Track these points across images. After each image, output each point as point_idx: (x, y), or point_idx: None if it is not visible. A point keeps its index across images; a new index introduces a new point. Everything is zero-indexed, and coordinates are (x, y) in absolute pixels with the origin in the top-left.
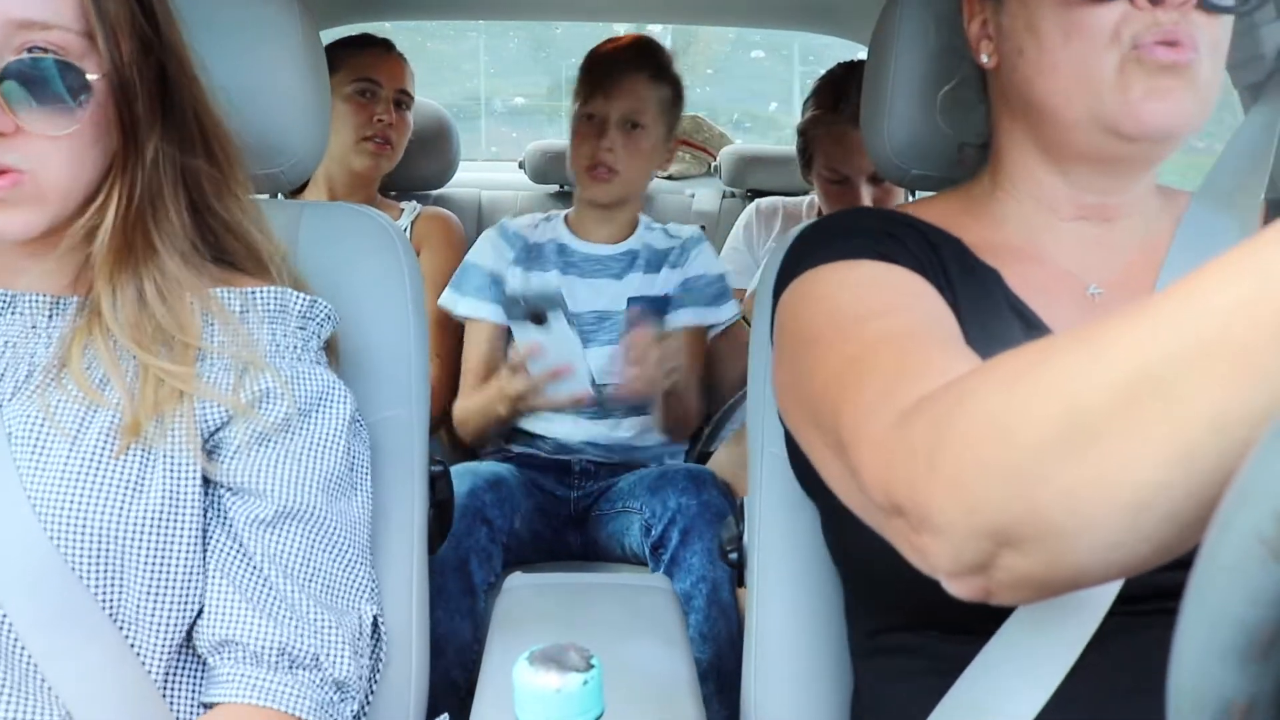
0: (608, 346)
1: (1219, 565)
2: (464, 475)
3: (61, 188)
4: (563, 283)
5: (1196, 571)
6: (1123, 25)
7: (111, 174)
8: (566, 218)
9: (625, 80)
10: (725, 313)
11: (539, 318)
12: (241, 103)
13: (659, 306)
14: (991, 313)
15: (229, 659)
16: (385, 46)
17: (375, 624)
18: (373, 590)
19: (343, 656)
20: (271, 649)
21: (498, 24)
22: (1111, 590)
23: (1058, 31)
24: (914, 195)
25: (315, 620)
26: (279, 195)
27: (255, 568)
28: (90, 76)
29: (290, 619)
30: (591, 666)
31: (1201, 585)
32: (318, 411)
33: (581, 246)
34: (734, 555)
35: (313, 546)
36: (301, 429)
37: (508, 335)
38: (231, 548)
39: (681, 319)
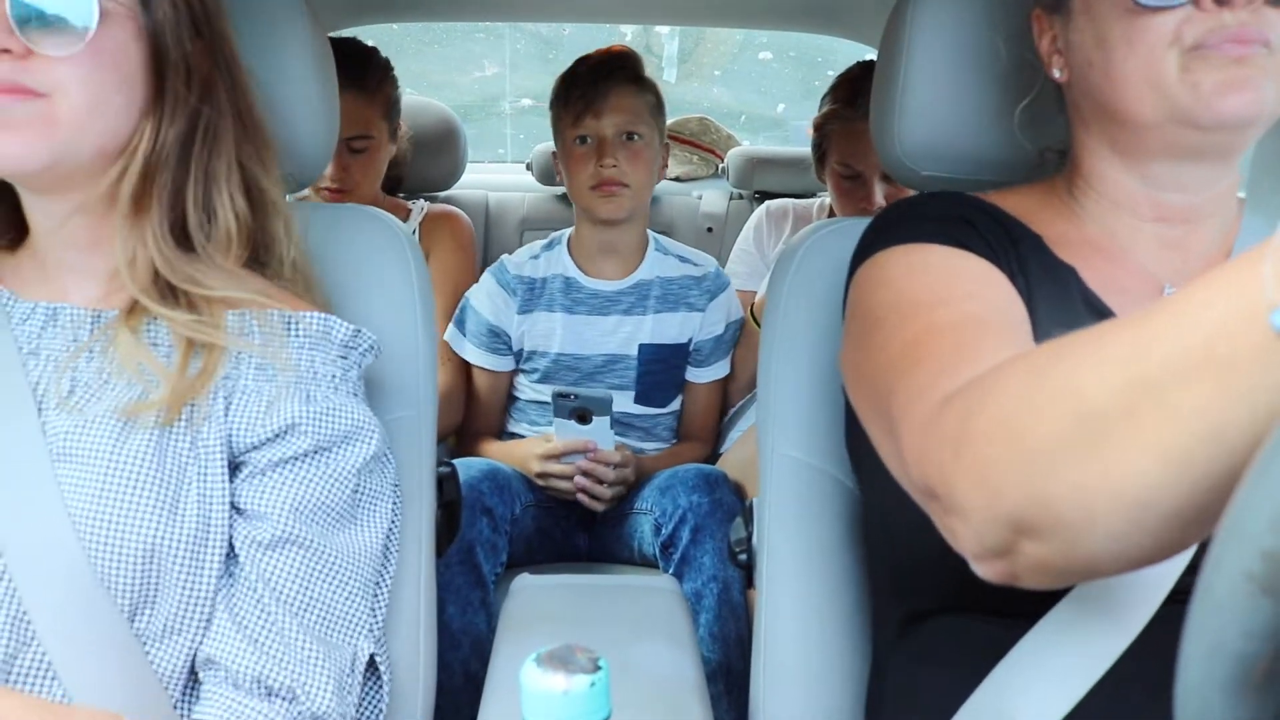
0: (619, 392)
1: (1213, 600)
2: (459, 469)
3: (75, 118)
4: (569, 324)
5: (1193, 606)
6: (1184, 27)
7: (137, 134)
8: (569, 245)
9: (612, 94)
10: (727, 365)
11: (585, 418)
12: None
13: (678, 353)
14: (1067, 310)
15: (212, 677)
16: (345, 87)
17: (373, 662)
18: (373, 627)
19: (325, 691)
20: (248, 676)
21: (505, 25)
22: (1166, 584)
23: (1122, 41)
24: None
25: (302, 650)
26: (287, 197)
27: (251, 589)
28: (103, 3)
29: (275, 646)
30: (599, 668)
31: (1198, 619)
32: (339, 448)
33: (589, 283)
34: (743, 557)
35: (311, 575)
36: (314, 461)
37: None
38: (232, 569)
39: (709, 374)
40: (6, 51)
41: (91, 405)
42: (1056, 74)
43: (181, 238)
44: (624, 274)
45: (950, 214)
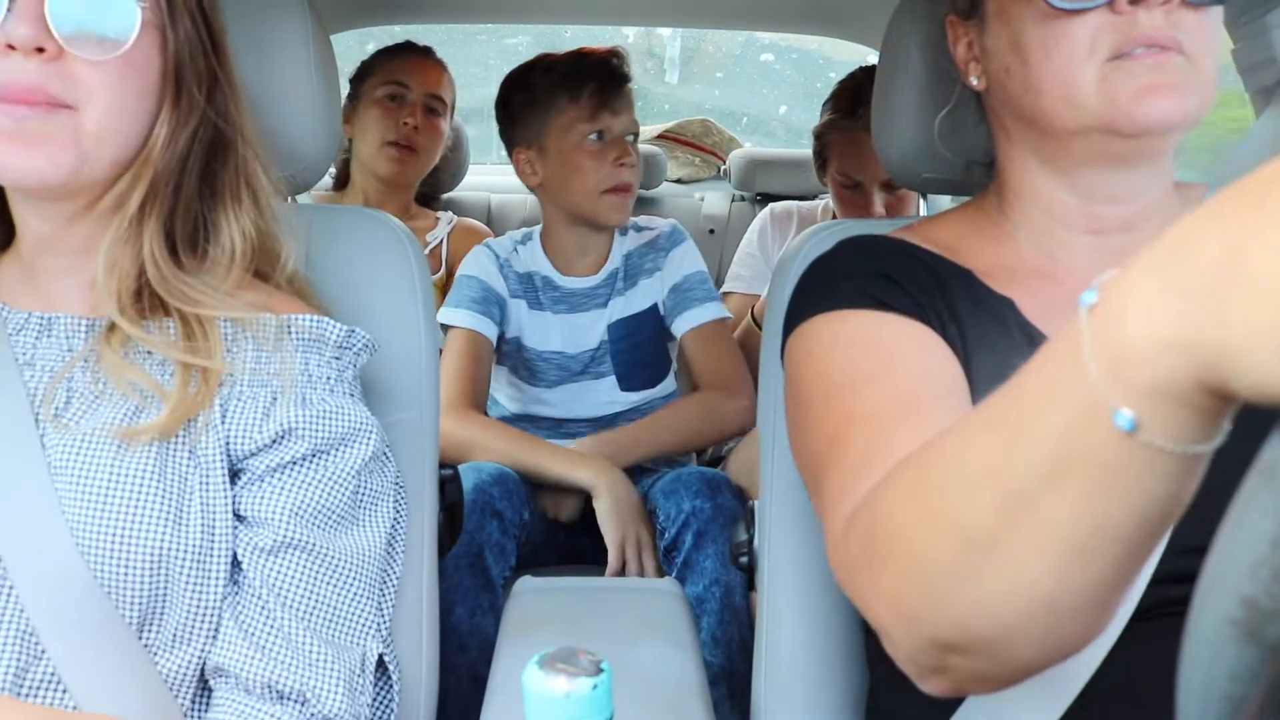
0: (603, 379)
1: (1201, 645)
2: (468, 472)
3: (100, 129)
4: (554, 323)
5: (1184, 651)
6: (1099, 36)
7: (151, 143)
8: (544, 245)
9: (624, 93)
10: (716, 309)
11: None
12: (252, 107)
13: (645, 321)
14: (1005, 346)
15: (223, 685)
16: (422, 52)
17: (382, 662)
18: (380, 627)
19: (335, 693)
20: (257, 682)
21: (506, 27)
22: (1130, 604)
23: (1039, 47)
24: (926, 199)
25: (310, 653)
26: (290, 199)
27: (256, 595)
28: (139, 6)
29: (283, 652)
30: (601, 671)
31: (1189, 663)
32: (336, 450)
33: (566, 282)
34: (745, 559)
35: (315, 578)
36: (313, 464)
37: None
38: (237, 576)
39: (688, 322)
40: (40, 50)
41: (89, 418)
42: (974, 81)
43: (174, 253)
44: (595, 269)
45: (871, 271)
